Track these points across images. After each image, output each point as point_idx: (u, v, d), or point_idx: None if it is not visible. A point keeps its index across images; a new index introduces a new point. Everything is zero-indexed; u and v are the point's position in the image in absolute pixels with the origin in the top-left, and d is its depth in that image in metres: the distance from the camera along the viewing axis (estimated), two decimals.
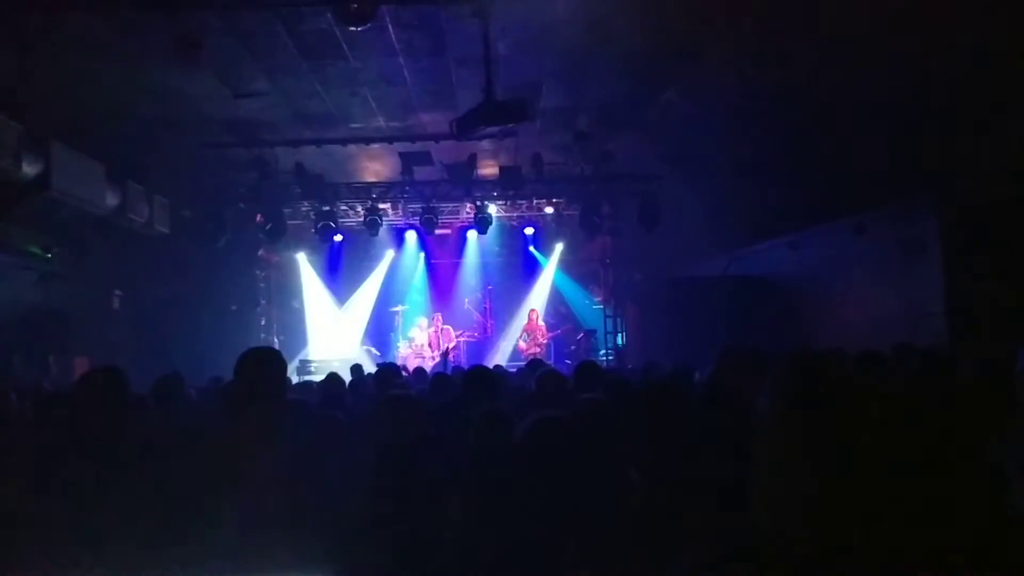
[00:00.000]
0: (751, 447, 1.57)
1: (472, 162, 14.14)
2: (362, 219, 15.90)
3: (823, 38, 8.63)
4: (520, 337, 17.28)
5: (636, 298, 15.99)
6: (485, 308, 18.62)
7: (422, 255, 18.69)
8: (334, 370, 7.76)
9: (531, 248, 18.36)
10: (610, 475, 2.24)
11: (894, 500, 1.46)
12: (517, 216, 17.47)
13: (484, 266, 18.95)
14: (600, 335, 17.07)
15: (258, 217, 15.50)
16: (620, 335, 16.86)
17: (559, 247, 18.25)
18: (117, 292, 13.56)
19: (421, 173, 14.93)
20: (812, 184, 11.20)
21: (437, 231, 16.62)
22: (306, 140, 13.22)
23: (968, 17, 7.36)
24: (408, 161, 14.35)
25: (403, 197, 15.89)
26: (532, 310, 17.31)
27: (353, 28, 8.11)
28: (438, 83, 10.93)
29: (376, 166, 15.18)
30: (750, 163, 11.98)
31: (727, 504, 1.79)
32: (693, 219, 14.74)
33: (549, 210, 17.01)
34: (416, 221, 16.48)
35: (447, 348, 15.95)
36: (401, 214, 16.84)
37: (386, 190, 15.68)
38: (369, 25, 8.10)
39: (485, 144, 13.11)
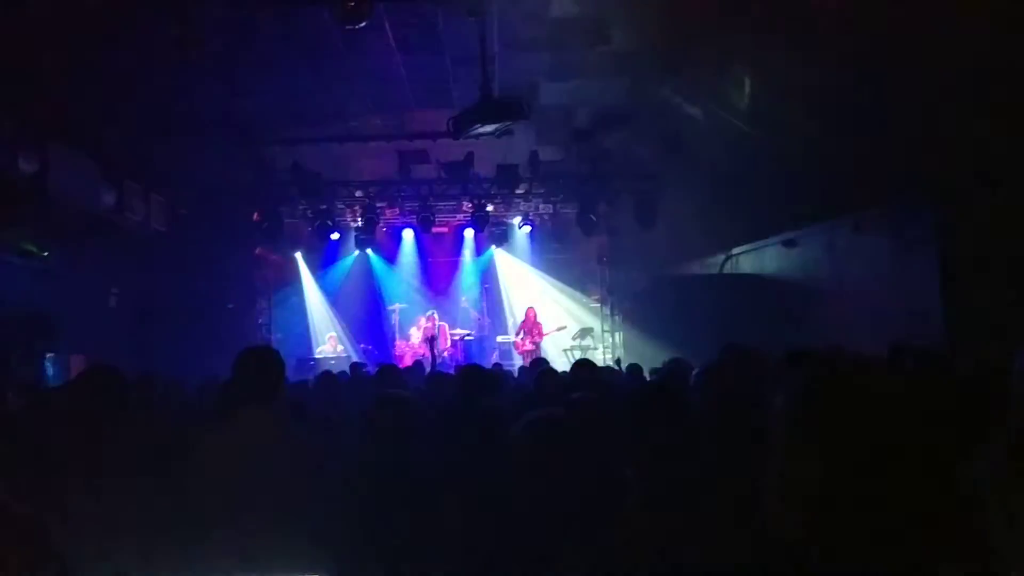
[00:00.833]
0: (761, 445, 1.58)
1: (469, 160, 14.13)
2: (359, 217, 15.90)
3: (819, 37, 8.63)
4: (517, 335, 17.29)
5: (633, 296, 15.99)
6: (482, 306, 18.62)
7: (419, 253, 18.70)
8: (330, 369, 7.78)
9: (528, 246, 18.36)
10: (606, 474, 2.25)
11: (900, 500, 1.46)
12: (514, 214, 17.48)
13: (479, 264, 18.97)
14: (597, 333, 17.07)
15: (255, 216, 15.48)
16: (617, 334, 16.87)
17: (556, 247, 18.22)
18: (114, 291, 13.52)
19: (418, 172, 14.92)
20: (809, 183, 11.20)
21: (434, 230, 16.61)
22: (303, 138, 13.21)
23: (967, 18, 7.37)
24: (405, 159, 14.35)
25: (400, 195, 15.88)
26: (530, 308, 17.31)
27: (350, 26, 8.11)
28: (435, 81, 10.93)
29: (373, 164, 15.17)
30: (747, 162, 11.98)
31: (725, 502, 1.79)
32: (690, 217, 14.74)
33: (546, 208, 17.01)
34: (413, 219, 16.48)
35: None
36: (398, 212, 16.84)
37: (383, 188, 15.67)
38: (366, 23, 8.10)
39: (482, 142, 13.11)
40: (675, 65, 10.39)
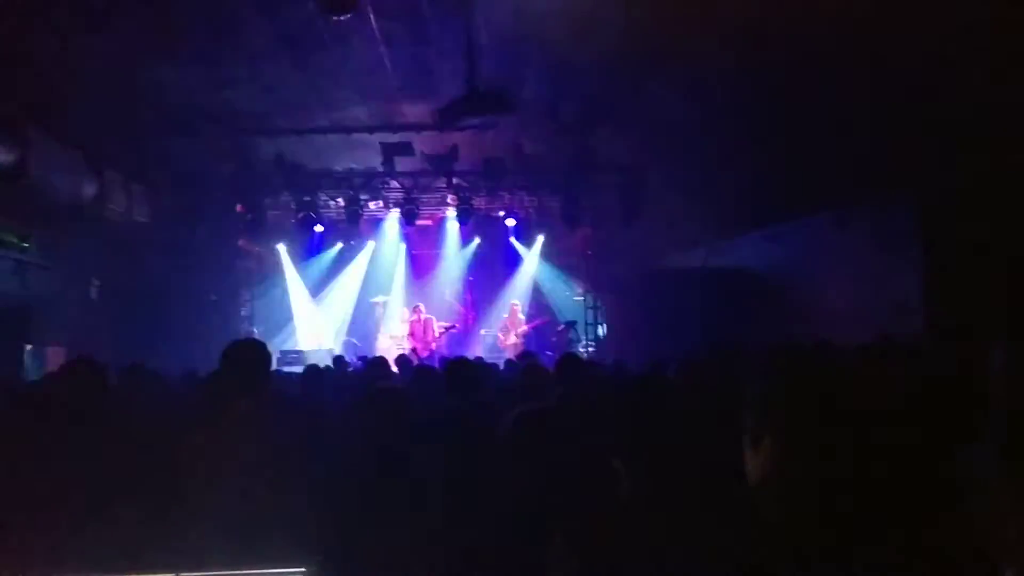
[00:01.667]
0: (738, 433, 1.60)
1: (454, 153, 14.10)
2: (343, 209, 15.84)
3: (805, 34, 8.66)
4: (499, 329, 17.31)
5: (617, 289, 16.03)
6: (466, 299, 18.62)
7: (403, 246, 18.65)
8: (314, 362, 7.77)
9: (512, 239, 18.35)
10: (594, 467, 2.25)
11: (869, 489, 1.48)
12: (499, 207, 17.47)
13: (463, 257, 18.96)
14: (581, 326, 17.10)
15: (238, 207, 15.40)
16: (601, 326, 16.91)
17: (540, 239, 18.28)
18: (95, 282, 13.42)
19: (403, 164, 14.87)
20: (792, 177, 11.26)
21: (418, 222, 16.57)
22: (287, 129, 13.14)
23: (949, 14, 7.42)
24: (389, 151, 14.29)
25: (384, 188, 15.82)
26: (513, 302, 17.34)
27: (335, 17, 8.06)
28: (420, 74, 10.88)
29: (357, 156, 15.10)
30: (730, 156, 12.02)
31: (711, 493, 1.80)
32: (674, 211, 14.78)
33: (531, 201, 17.02)
34: (397, 212, 16.43)
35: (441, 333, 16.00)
36: (382, 204, 16.80)
37: (367, 180, 15.61)
38: (351, 14, 8.06)
39: (467, 135, 13.08)
40: (660, 59, 10.39)
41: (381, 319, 18.00)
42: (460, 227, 17.70)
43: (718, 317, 12.27)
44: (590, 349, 16.49)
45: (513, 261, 18.69)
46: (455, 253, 18.85)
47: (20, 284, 11.22)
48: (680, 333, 11.15)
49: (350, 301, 18.53)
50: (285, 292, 18.15)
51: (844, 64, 8.86)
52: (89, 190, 11.79)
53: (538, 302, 18.52)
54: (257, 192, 15.12)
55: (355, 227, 16.52)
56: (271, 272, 18.03)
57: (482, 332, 18.17)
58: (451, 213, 17.00)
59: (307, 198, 15.49)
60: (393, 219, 17.63)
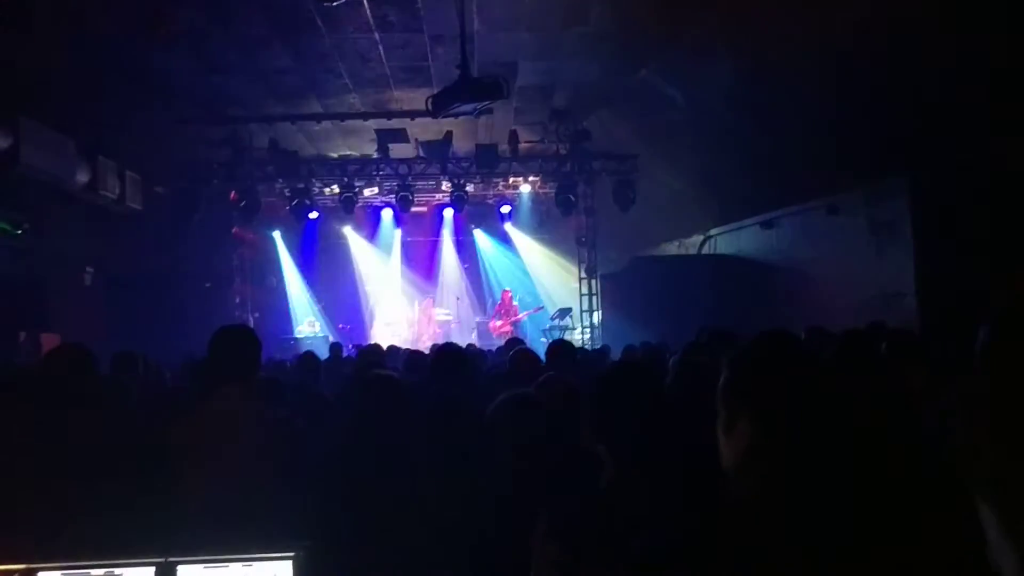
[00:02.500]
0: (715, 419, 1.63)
1: (448, 140, 14.08)
2: (337, 197, 15.83)
3: (799, 21, 8.65)
4: (492, 316, 17.33)
5: (611, 277, 16.05)
6: (462, 286, 18.66)
7: (398, 232, 18.64)
8: (310, 349, 7.78)
9: (506, 226, 18.37)
10: (579, 451, 2.27)
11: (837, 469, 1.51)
12: (493, 194, 17.46)
13: (458, 245, 18.98)
14: (575, 314, 17.12)
15: (232, 194, 15.37)
16: (595, 314, 16.92)
17: (533, 226, 18.32)
18: (88, 269, 13.40)
19: (396, 151, 14.85)
20: (787, 165, 11.27)
21: (413, 209, 16.55)
22: (280, 116, 13.10)
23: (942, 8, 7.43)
24: (383, 138, 14.27)
25: (378, 175, 15.80)
26: (505, 290, 17.36)
27: (328, 3, 8.04)
28: (414, 60, 10.86)
29: (351, 143, 15.08)
30: (725, 143, 12.02)
31: (696, 479, 1.82)
32: (668, 199, 14.79)
33: (525, 189, 17.01)
34: (392, 199, 16.41)
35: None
36: (377, 192, 16.77)
37: (361, 167, 15.59)
38: (344, 1, 8.04)
39: (461, 122, 13.06)
40: (654, 46, 10.39)
41: (376, 306, 18.01)
42: (454, 214, 17.68)
43: (713, 304, 12.31)
44: (585, 336, 16.50)
45: (507, 248, 18.71)
46: (449, 240, 18.85)
47: (14, 271, 11.21)
48: (675, 321, 11.18)
49: (344, 289, 18.54)
50: (280, 279, 18.14)
51: (839, 50, 8.85)
52: (82, 177, 11.75)
53: (532, 289, 18.54)
54: (251, 179, 15.08)
55: (349, 214, 16.49)
56: (265, 259, 18.01)
57: (476, 319, 18.19)
58: (445, 200, 16.97)
59: (301, 185, 15.47)
60: (387, 206, 17.61)
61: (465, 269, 18.94)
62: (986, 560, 1.66)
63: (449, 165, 15.23)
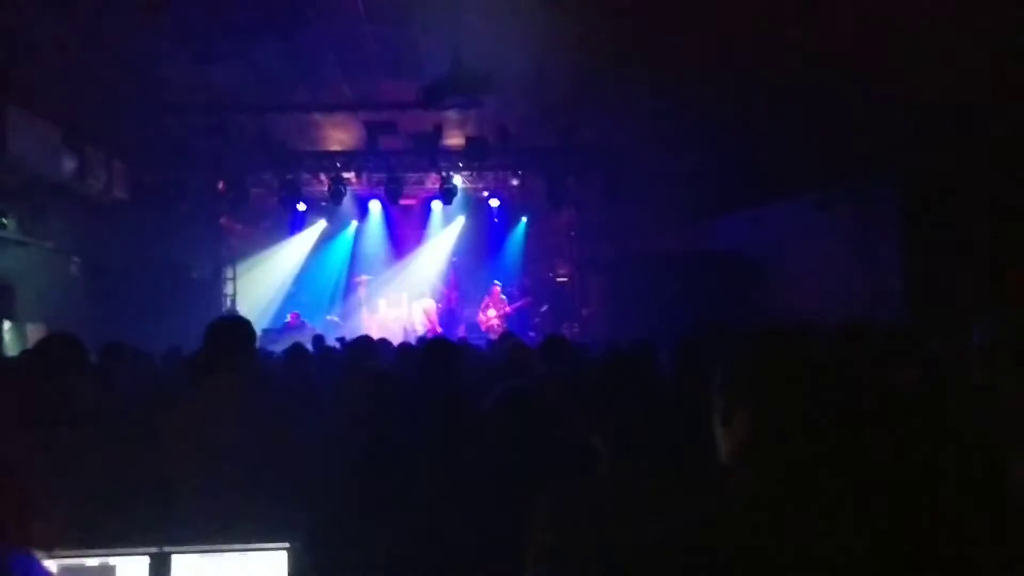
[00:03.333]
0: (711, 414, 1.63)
1: (438, 132, 14.04)
2: (326, 188, 15.77)
3: (789, 15, 8.67)
4: (482, 309, 17.33)
5: (601, 271, 16.06)
6: (450, 280, 18.61)
7: (386, 225, 18.60)
8: (296, 340, 7.74)
9: (496, 220, 18.35)
10: (576, 443, 2.27)
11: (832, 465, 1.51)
12: (483, 187, 17.43)
13: (447, 237, 18.95)
14: (565, 308, 17.13)
15: (220, 184, 15.29)
16: (584, 308, 16.94)
17: (524, 219, 18.32)
18: (75, 259, 13.32)
19: (386, 143, 14.79)
20: (775, 159, 11.31)
21: (401, 201, 16.51)
22: (269, 106, 13.02)
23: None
24: (373, 130, 14.21)
25: (367, 166, 15.74)
26: (495, 283, 17.36)
27: None
28: (404, 51, 10.80)
29: (340, 134, 15.01)
30: (715, 138, 12.04)
31: (691, 472, 1.83)
32: (658, 192, 14.80)
33: (515, 182, 16.99)
34: (380, 191, 16.36)
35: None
36: (365, 183, 16.72)
37: (350, 159, 15.53)
38: None
39: (451, 114, 13.02)
40: (645, 38, 10.38)
41: (364, 298, 17.98)
42: (443, 207, 17.65)
43: (702, 299, 12.34)
44: (574, 330, 16.52)
45: (497, 241, 18.69)
46: (438, 233, 18.83)
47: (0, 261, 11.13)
48: (664, 314, 11.20)
49: (333, 280, 18.50)
50: (268, 271, 18.08)
51: (829, 43, 8.88)
52: (69, 166, 11.68)
53: (521, 283, 18.54)
54: (239, 170, 15.00)
55: (338, 206, 16.44)
56: (254, 250, 17.94)
57: (465, 312, 18.19)
58: (434, 193, 16.94)
59: (290, 176, 15.40)
60: (376, 198, 17.57)
61: (453, 262, 18.92)
62: (989, 560, 1.67)
63: (438, 158, 15.20)
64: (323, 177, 15.92)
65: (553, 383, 3.01)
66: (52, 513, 2.67)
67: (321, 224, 18.27)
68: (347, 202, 16.77)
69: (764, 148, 11.26)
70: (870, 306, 9.26)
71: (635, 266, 14.88)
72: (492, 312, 16.87)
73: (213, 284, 16.19)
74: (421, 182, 16.85)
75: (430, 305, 17.55)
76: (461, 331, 16.63)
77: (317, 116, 13.45)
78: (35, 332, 11.03)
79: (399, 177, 15.57)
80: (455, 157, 15.26)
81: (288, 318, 17.17)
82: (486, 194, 17.38)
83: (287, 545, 2.19)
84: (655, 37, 10.23)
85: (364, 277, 18.11)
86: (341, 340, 10.12)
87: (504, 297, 17.23)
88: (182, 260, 15.17)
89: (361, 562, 2.57)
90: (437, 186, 16.02)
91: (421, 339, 9.58)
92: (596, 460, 2.02)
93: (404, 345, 7.14)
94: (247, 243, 17.79)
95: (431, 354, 4.41)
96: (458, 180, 16.09)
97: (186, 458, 3.05)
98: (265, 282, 17.99)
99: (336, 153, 15.49)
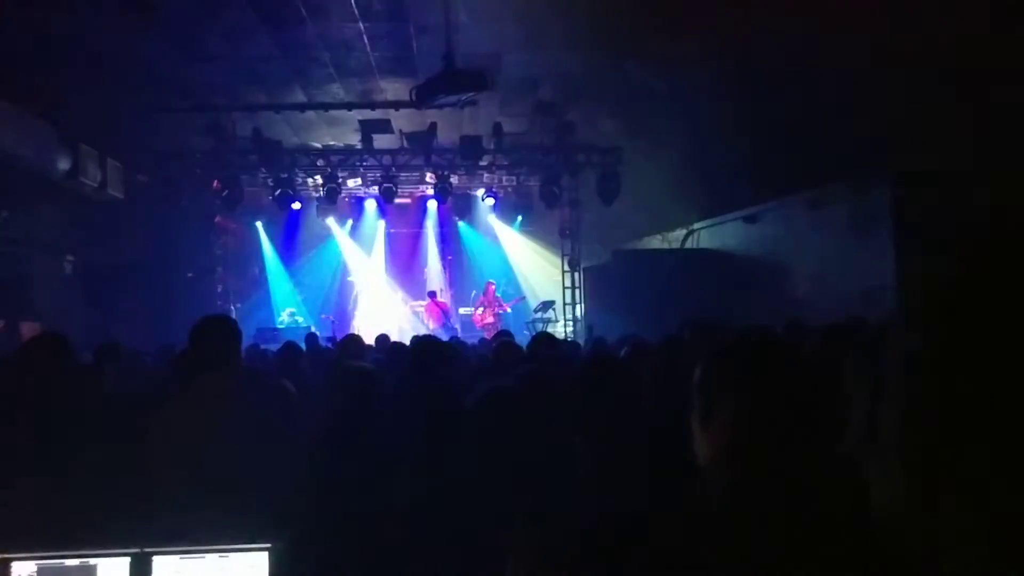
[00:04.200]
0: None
1: (432, 131, 14.04)
2: (320, 187, 15.77)
3: (783, 15, 8.67)
4: (476, 308, 17.33)
5: (594, 270, 16.08)
6: (444, 278, 18.64)
7: (381, 224, 18.59)
8: (291, 339, 7.73)
9: (490, 218, 18.36)
10: (555, 443, 2.27)
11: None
12: (477, 186, 17.44)
13: (442, 236, 18.95)
14: (559, 306, 17.14)
15: (214, 183, 15.28)
16: (578, 307, 16.95)
17: (519, 218, 18.33)
18: (69, 257, 13.30)
19: (380, 141, 14.79)
20: (770, 160, 11.31)
21: (397, 200, 16.50)
22: (264, 105, 13.01)
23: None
24: (367, 129, 14.21)
25: (362, 165, 15.74)
26: (489, 282, 17.36)
27: None
28: (398, 50, 10.80)
29: (335, 133, 15.00)
30: (709, 137, 12.04)
31: (669, 473, 1.83)
32: (652, 192, 14.80)
33: (509, 181, 17.00)
34: (375, 190, 16.36)
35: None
36: (360, 183, 16.72)
37: (345, 158, 15.52)
38: None
39: (446, 113, 13.02)
40: (640, 37, 10.38)
41: (358, 298, 17.97)
42: (438, 206, 17.65)
43: (695, 298, 12.34)
44: (568, 329, 16.53)
45: (491, 240, 18.70)
46: (433, 231, 18.83)
47: None
48: (658, 315, 11.20)
49: (327, 279, 18.50)
50: (262, 270, 18.07)
51: (823, 44, 8.88)
52: (62, 165, 11.65)
53: (516, 281, 18.55)
54: (234, 168, 15.00)
55: (333, 205, 16.43)
56: (248, 249, 17.93)
57: (460, 311, 18.19)
58: (429, 191, 16.94)
59: (284, 175, 15.39)
60: (371, 197, 17.56)
61: (448, 261, 18.92)
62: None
63: (433, 156, 15.20)
64: (318, 176, 15.92)
65: (536, 382, 3.00)
66: (33, 512, 2.67)
67: (316, 223, 18.26)
68: (342, 201, 16.78)
69: (758, 147, 11.26)
70: (863, 305, 9.26)
71: (628, 265, 14.89)
72: (486, 310, 16.87)
73: (207, 283, 16.17)
74: (416, 181, 16.85)
75: (424, 304, 17.55)
76: (456, 329, 16.63)
77: (312, 115, 13.43)
78: (29, 331, 11.02)
79: (394, 176, 15.57)
80: (449, 156, 15.25)
81: (283, 316, 17.17)
82: (481, 192, 17.37)
83: (269, 546, 2.18)
84: (649, 36, 10.23)
85: (359, 276, 18.11)
86: (331, 340, 10.10)
87: (499, 295, 17.23)
88: (176, 259, 15.15)
89: (343, 563, 2.57)
90: (432, 185, 16.02)
91: (415, 338, 9.54)
92: (574, 461, 2.02)
93: (395, 344, 7.12)
94: (242, 242, 17.78)
95: (419, 353, 4.41)
96: (453, 179, 16.07)
97: (170, 457, 3.04)
98: (259, 281, 17.97)
99: (331, 152, 15.49)
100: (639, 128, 13.72)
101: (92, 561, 2.14)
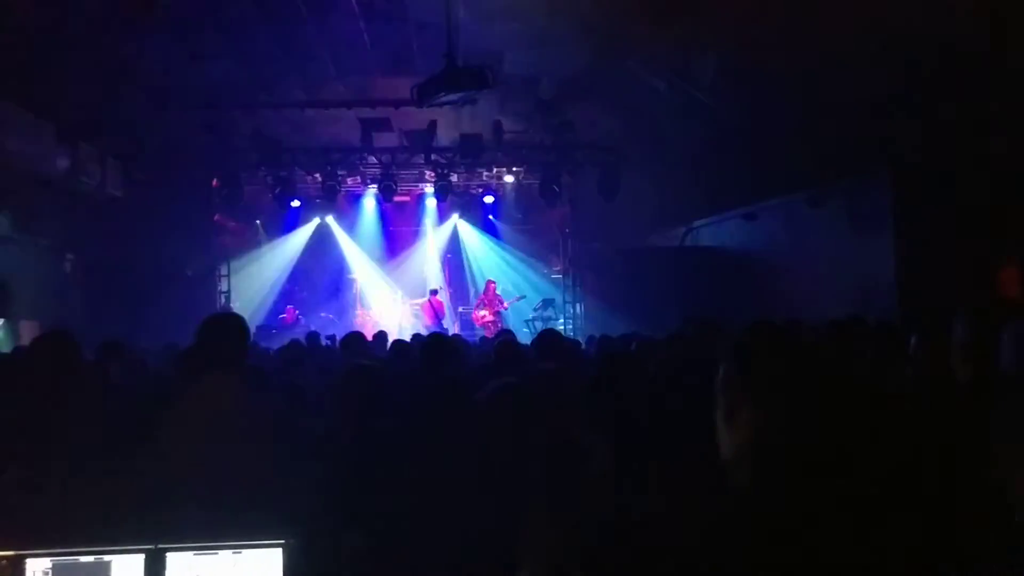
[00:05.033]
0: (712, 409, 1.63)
1: (432, 129, 14.03)
2: (320, 185, 15.76)
3: (784, 13, 8.68)
4: (476, 307, 17.32)
5: (594, 268, 16.07)
6: (443, 276, 18.63)
7: (380, 222, 18.57)
8: (294, 337, 7.75)
9: (490, 217, 18.34)
10: (567, 440, 2.28)
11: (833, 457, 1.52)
12: (477, 184, 17.43)
13: (441, 234, 18.95)
14: (558, 304, 17.14)
15: (214, 181, 15.26)
16: (578, 304, 16.96)
17: (518, 216, 18.34)
18: (69, 256, 13.28)
19: (380, 139, 14.79)
20: (769, 158, 11.32)
21: (396, 198, 16.49)
22: (264, 104, 13.01)
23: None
24: (367, 127, 14.20)
25: (362, 163, 15.73)
26: (489, 280, 17.36)
27: None
28: (398, 48, 10.81)
29: (334, 131, 14.99)
30: (709, 136, 12.05)
31: (684, 463, 1.84)
32: (652, 190, 14.82)
33: (509, 179, 16.99)
34: (375, 188, 16.35)
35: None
36: (360, 180, 16.70)
37: (344, 156, 15.51)
38: None
39: (445, 111, 13.02)
40: (640, 36, 10.38)
41: (358, 295, 17.96)
42: (438, 204, 17.64)
43: (695, 295, 12.36)
44: (568, 327, 16.53)
45: (490, 238, 18.69)
46: (432, 230, 18.82)
47: None
48: (658, 312, 11.22)
49: (328, 277, 18.48)
50: (262, 267, 18.03)
51: (824, 42, 8.89)
52: (62, 163, 11.64)
53: (515, 279, 18.53)
54: (234, 166, 14.98)
55: (332, 203, 16.42)
56: (248, 247, 17.90)
57: (460, 309, 18.19)
58: (429, 190, 16.93)
59: (284, 173, 15.38)
60: (370, 195, 17.54)
61: (448, 259, 18.91)
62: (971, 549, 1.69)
63: (433, 154, 15.19)
64: (317, 174, 15.90)
65: (546, 379, 3.01)
66: (46, 510, 2.68)
67: (315, 221, 18.23)
68: (341, 199, 16.76)
69: (758, 145, 11.27)
70: (862, 302, 9.28)
71: (628, 262, 14.90)
72: (486, 308, 16.86)
73: (208, 281, 16.14)
74: (415, 179, 16.84)
75: (424, 302, 17.53)
76: (455, 328, 16.63)
77: (311, 113, 13.43)
78: (29, 329, 11.00)
79: (393, 174, 15.57)
80: (449, 154, 15.25)
81: (284, 314, 17.15)
82: (480, 191, 17.36)
83: (282, 542, 2.19)
84: (649, 34, 10.24)
85: (358, 274, 18.10)
86: (331, 339, 10.10)
87: (499, 293, 17.23)
88: (176, 257, 15.11)
89: (356, 558, 2.58)
90: (431, 183, 16.01)
91: (416, 336, 9.55)
92: (589, 458, 2.03)
93: (398, 341, 7.14)
94: (242, 240, 17.76)
95: (429, 350, 4.42)
96: (452, 177, 16.06)
97: (180, 455, 3.05)
98: (260, 279, 17.93)
99: (330, 150, 15.47)
100: (639, 126, 13.73)
101: (107, 558, 2.15)
